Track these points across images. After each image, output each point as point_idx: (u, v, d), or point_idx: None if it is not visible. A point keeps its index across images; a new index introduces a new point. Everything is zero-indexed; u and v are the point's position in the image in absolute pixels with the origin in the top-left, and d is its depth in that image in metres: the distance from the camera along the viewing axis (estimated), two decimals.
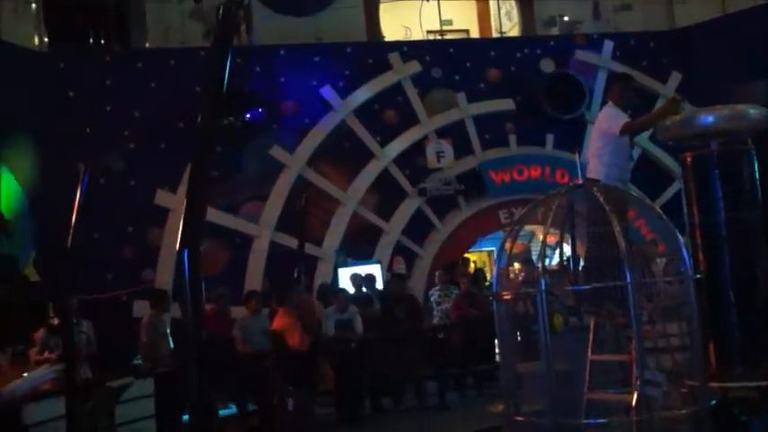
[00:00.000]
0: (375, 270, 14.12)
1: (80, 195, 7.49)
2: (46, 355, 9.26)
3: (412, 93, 15.56)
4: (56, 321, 9.32)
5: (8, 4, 13.95)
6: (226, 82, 4.25)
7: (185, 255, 3.82)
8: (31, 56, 13.96)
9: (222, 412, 9.96)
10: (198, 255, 3.90)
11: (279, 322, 9.55)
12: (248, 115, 14.07)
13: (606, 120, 7.11)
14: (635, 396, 5.50)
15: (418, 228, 15.36)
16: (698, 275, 6.20)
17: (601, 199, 5.54)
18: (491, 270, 15.88)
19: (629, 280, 5.32)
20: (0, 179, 12.47)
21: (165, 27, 15.52)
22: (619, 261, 5.63)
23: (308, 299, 11.43)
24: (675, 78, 16.72)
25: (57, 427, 7.54)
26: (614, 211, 5.56)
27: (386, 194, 15.23)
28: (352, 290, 12.39)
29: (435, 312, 12.56)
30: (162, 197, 13.57)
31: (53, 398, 7.74)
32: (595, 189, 5.69)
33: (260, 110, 14.18)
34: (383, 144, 15.28)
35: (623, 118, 7.10)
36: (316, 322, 10.85)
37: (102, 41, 14.84)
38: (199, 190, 4.01)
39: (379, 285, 13.53)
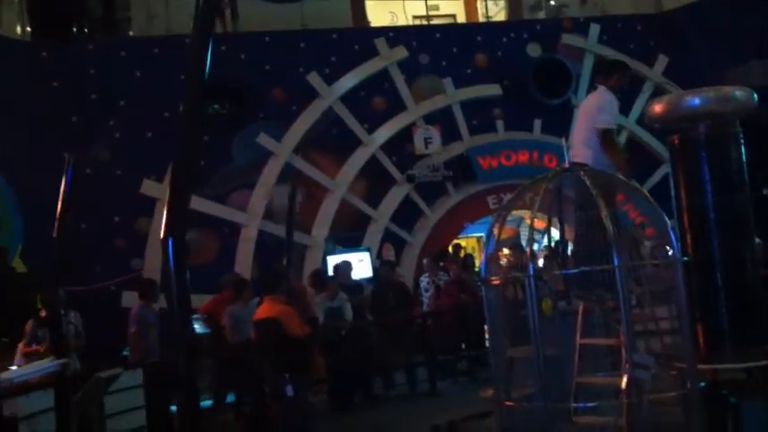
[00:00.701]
0: (364, 257, 14.12)
1: (65, 185, 7.43)
2: (34, 347, 9.22)
3: (399, 79, 15.50)
4: (44, 313, 9.27)
5: None
6: (207, 70, 4.20)
7: (170, 244, 3.77)
8: (14, 45, 13.84)
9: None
10: (183, 244, 3.86)
11: (272, 310, 9.41)
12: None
13: (598, 107, 6.99)
14: (624, 379, 5.50)
15: (407, 214, 15.34)
16: (686, 258, 6.19)
17: (588, 183, 5.52)
18: (480, 256, 15.90)
19: (617, 263, 5.31)
20: None
21: (150, 15, 15.38)
22: (607, 245, 5.62)
23: (300, 286, 11.41)
24: (662, 61, 16.74)
25: (46, 419, 7.51)
26: (602, 195, 5.55)
27: (374, 181, 15.21)
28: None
29: (424, 299, 12.58)
30: (148, 186, 13.50)
31: (42, 390, 7.72)
32: (583, 173, 5.67)
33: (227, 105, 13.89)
34: (371, 131, 15.23)
35: (615, 110, 7.01)
36: (310, 309, 10.83)
37: (86, 30, 14.73)
38: (182, 178, 3.97)
39: (364, 273, 13.52)
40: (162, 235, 3.78)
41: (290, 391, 7.79)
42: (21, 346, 9.59)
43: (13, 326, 9.86)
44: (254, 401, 10.15)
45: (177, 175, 3.96)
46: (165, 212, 3.93)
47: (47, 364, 7.87)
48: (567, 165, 5.97)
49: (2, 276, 11.99)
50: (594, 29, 16.58)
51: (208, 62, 4.00)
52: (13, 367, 8.38)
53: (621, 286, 5.31)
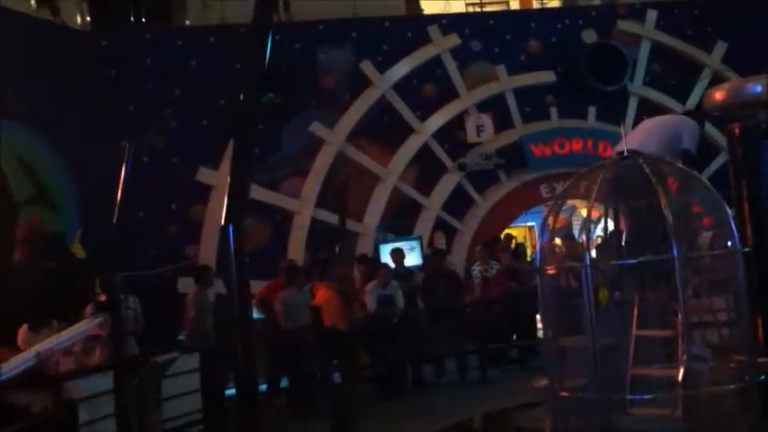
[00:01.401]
0: (415, 245, 14.14)
1: (125, 173, 7.57)
2: (94, 330, 9.40)
3: (451, 66, 15.42)
4: (103, 298, 9.46)
5: None
6: (267, 59, 4.24)
7: (230, 230, 3.83)
8: (73, 35, 14.11)
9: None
10: (242, 230, 3.92)
11: (319, 297, 9.55)
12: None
13: (692, 130, 6.79)
14: (681, 371, 5.43)
15: (458, 203, 15.29)
16: (746, 249, 6.08)
17: (648, 171, 5.45)
18: (531, 245, 15.81)
19: (675, 254, 5.24)
20: (44, 158, 12.68)
21: (205, 4, 15.55)
22: (664, 234, 5.55)
23: (349, 273, 11.49)
24: (721, 48, 16.38)
25: (105, 402, 7.69)
26: (660, 184, 5.47)
27: (426, 169, 15.17)
28: (393, 265, 12.39)
29: (476, 287, 12.56)
30: (204, 174, 13.70)
31: (101, 373, 7.91)
32: (642, 161, 5.59)
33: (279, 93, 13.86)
34: (423, 119, 15.20)
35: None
36: (357, 296, 10.92)
37: (143, 20, 14.95)
38: (242, 167, 4.02)
39: (415, 261, 13.53)
40: (223, 221, 3.83)
41: (336, 378, 7.85)
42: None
43: (73, 310, 10.08)
44: (304, 387, 10.29)
45: (237, 162, 4.01)
46: (225, 199, 3.99)
47: (86, 326, 8.06)
48: (624, 152, 5.90)
49: (62, 261, 12.29)
50: (651, 14, 16.29)
51: (267, 52, 4.04)
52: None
53: (680, 277, 5.23)
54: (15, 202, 12.04)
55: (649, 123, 7.06)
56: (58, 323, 9.69)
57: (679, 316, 5.56)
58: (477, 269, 12.77)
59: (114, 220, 7.67)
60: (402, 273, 12.12)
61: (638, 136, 6.81)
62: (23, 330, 9.38)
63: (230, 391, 9.25)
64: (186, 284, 11.93)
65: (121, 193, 7.62)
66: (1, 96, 11.48)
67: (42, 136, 12.55)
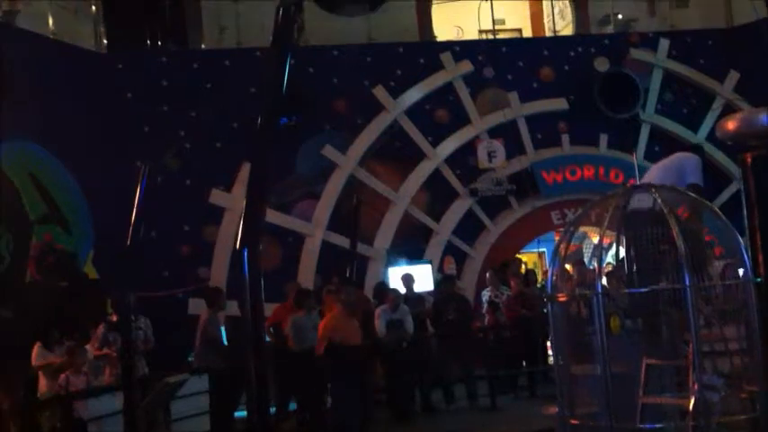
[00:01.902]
0: (425, 270, 14.12)
1: (139, 194, 7.65)
2: (105, 350, 9.46)
3: (464, 92, 15.52)
4: (114, 317, 9.52)
5: (68, 5, 14.27)
6: (285, 83, 4.31)
7: (245, 253, 3.87)
8: (90, 57, 14.27)
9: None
10: (257, 253, 3.96)
11: (328, 312, 9.24)
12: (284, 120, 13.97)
13: (694, 165, 6.90)
14: (692, 400, 5.41)
15: (469, 228, 15.31)
16: (758, 279, 6.06)
17: (659, 201, 5.47)
18: (541, 271, 15.78)
19: (687, 283, 5.23)
20: (59, 177, 12.78)
21: (221, 28, 15.73)
22: (675, 263, 5.55)
23: (362, 295, 11.49)
24: (733, 77, 16.41)
25: (114, 422, 7.72)
26: (672, 213, 5.49)
27: (437, 194, 15.23)
28: (402, 290, 12.38)
29: (486, 313, 12.52)
30: (217, 196, 13.78)
31: (111, 393, 7.95)
32: (654, 191, 5.61)
33: (293, 117, 14.01)
34: (434, 144, 15.27)
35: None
36: (371, 319, 10.90)
37: (159, 42, 15.12)
38: (258, 189, 4.07)
39: (428, 286, 13.51)
40: (238, 244, 3.87)
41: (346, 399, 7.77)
42: (91, 348, 9.86)
43: (85, 330, 10.14)
44: (313, 409, 10.27)
45: (253, 185, 4.06)
46: (238, 221, 4.03)
47: None
48: (635, 181, 5.93)
49: (73, 281, 12.36)
50: (664, 44, 16.37)
51: (285, 76, 4.11)
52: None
53: (691, 306, 5.23)
54: (29, 220, 12.13)
55: (653, 170, 7.11)
56: (70, 342, 9.77)
57: (690, 345, 5.54)
58: (487, 294, 12.74)
59: (128, 241, 7.74)
60: (412, 297, 12.10)
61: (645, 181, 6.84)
62: (37, 348, 9.44)
63: (240, 413, 9.25)
64: (197, 306, 11.97)
65: (136, 213, 7.69)
66: (17, 116, 11.61)
67: (57, 156, 12.67)
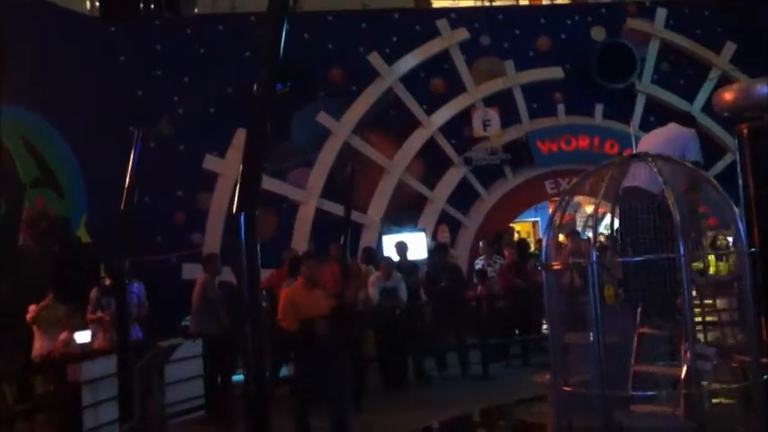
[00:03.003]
0: (419, 238, 14.14)
1: (134, 159, 7.60)
2: (99, 314, 9.46)
3: (459, 60, 15.44)
4: (108, 282, 9.52)
5: None
6: (282, 49, 4.26)
7: (242, 218, 3.86)
8: (83, 20, 14.13)
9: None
10: (254, 219, 3.95)
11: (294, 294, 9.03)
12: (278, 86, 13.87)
13: (690, 140, 6.76)
14: (684, 369, 5.45)
15: (463, 197, 15.32)
16: (753, 249, 6.09)
17: (655, 170, 5.47)
18: (534, 240, 15.83)
19: (682, 252, 5.25)
20: (51, 142, 12.72)
21: None
22: (671, 234, 5.56)
23: (355, 265, 11.47)
24: (730, 48, 16.38)
25: (108, 385, 7.75)
26: (668, 183, 5.48)
27: (431, 163, 15.21)
28: (396, 257, 12.40)
29: (477, 281, 12.57)
30: (210, 162, 13.73)
31: (106, 356, 7.97)
32: (650, 160, 5.60)
33: (288, 84, 13.87)
34: (429, 112, 15.21)
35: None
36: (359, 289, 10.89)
37: (153, 6, 14.96)
38: (255, 155, 4.04)
39: (421, 254, 13.53)
40: (235, 209, 3.86)
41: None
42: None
43: (78, 294, 10.13)
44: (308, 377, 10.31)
45: (250, 151, 4.03)
46: (232, 187, 4.02)
47: None
48: (632, 151, 5.92)
49: (67, 246, 12.34)
50: (661, 13, 16.29)
51: (282, 43, 4.06)
52: (84, 333, 8.64)
53: (686, 276, 5.25)
54: (22, 184, 12.08)
55: (649, 139, 6.94)
56: (63, 306, 9.77)
57: (683, 315, 5.57)
58: (480, 263, 12.78)
59: (122, 206, 7.71)
60: (405, 265, 12.13)
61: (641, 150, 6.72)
62: (32, 310, 9.45)
63: (237, 377, 9.30)
64: (191, 271, 11.98)
65: (130, 179, 7.65)
66: (9, 80, 11.51)
67: (50, 120, 12.59)
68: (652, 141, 6.80)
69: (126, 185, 7.72)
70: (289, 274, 10.82)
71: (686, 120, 7.32)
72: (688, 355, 5.49)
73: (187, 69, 14.19)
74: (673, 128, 7.03)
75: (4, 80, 11.41)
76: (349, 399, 7.98)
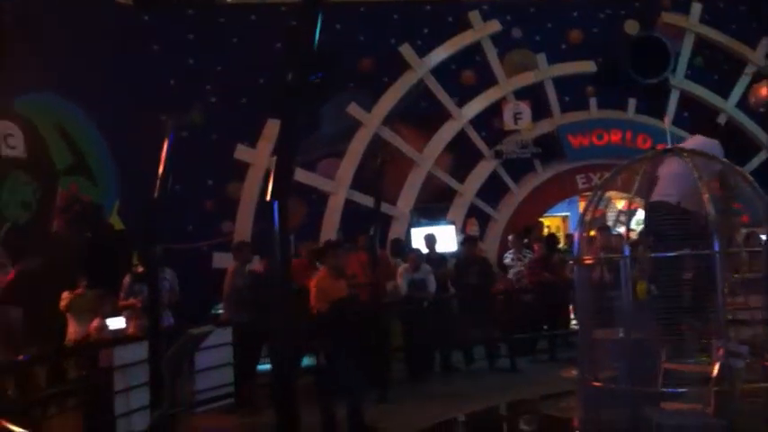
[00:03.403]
0: (448, 231, 14.12)
1: (167, 148, 7.65)
2: (131, 300, 9.56)
3: (491, 53, 15.35)
4: (140, 269, 9.61)
5: None
6: (316, 39, 4.28)
7: (275, 206, 3.89)
8: (117, 9, 14.22)
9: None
10: (286, 208, 3.98)
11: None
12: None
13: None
14: (716, 367, 5.41)
15: (493, 190, 15.26)
16: None
17: (690, 165, 5.42)
18: (564, 235, 15.75)
19: (716, 249, 5.20)
20: (85, 129, 12.85)
21: None
22: (703, 230, 5.51)
23: (383, 256, 11.49)
24: (765, 43, 16.13)
25: (140, 371, 7.83)
26: (702, 179, 5.44)
27: (461, 156, 15.15)
28: (425, 250, 12.41)
29: (509, 275, 12.55)
30: (241, 152, 13.78)
31: (138, 342, 8.06)
32: (685, 155, 5.56)
33: (318, 75, 13.88)
34: (460, 104, 15.16)
35: None
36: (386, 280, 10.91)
37: None
38: (289, 144, 4.07)
39: (450, 247, 13.51)
40: (268, 197, 3.88)
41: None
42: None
43: (111, 280, 10.25)
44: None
45: (283, 141, 4.06)
46: (263, 176, 4.05)
47: None
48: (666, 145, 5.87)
49: (100, 232, 12.49)
50: (696, 7, 16.07)
51: (317, 33, 4.08)
52: (117, 318, 8.75)
53: (719, 273, 5.20)
54: (56, 170, 12.23)
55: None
56: (94, 292, 9.90)
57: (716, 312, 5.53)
58: (509, 257, 12.75)
59: (155, 194, 7.76)
60: (434, 257, 12.13)
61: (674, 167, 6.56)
62: (66, 296, 9.58)
63: (262, 366, 9.37)
64: (222, 260, 12.06)
65: (163, 167, 7.70)
66: (43, 68, 11.64)
67: (83, 108, 12.72)
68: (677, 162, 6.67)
69: (159, 174, 7.77)
70: (310, 264, 10.87)
71: (710, 130, 7.16)
72: (720, 352, 5.45)
73: (219, 59, 14.25)
74: (698, 140, 6.89)
75: (39, 67, 11.54)
76: (364, 388, 8.09)
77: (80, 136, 12.80)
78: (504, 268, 12.62)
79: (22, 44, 11.38)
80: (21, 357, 8.29)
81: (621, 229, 6.25)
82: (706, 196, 5.23)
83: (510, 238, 13.42)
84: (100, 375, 7.89)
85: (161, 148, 7.95)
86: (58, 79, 11.98)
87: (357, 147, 14.49)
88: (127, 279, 9.73)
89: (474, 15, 15.30)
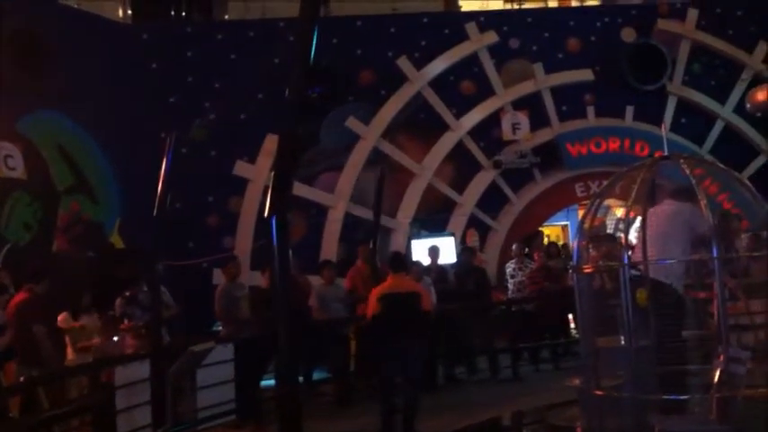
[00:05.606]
0: (448, 243, 14.10)
1: (166, 165, 7.68)
2: (126, 323, 9.51)
3: (488, 63, 15.40)
4: (128, 293, 9.57)
5: None
6: (313, 54, 4.30)
7: (273, 221, 3.90)
8: (116, 27, 14.31)
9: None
10: (285, 222, 3.99)
11: (411, 285, 8.99)
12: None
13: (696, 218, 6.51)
14: (717, 373, 5.41)
15: (492, 200, 15.27)
16: None
17: (687, 172, 5.43)
18: (564, 244, 15.74)
19: (715, 254, 5.21)
20: (85, 148, 12.87)
21: (246, 7, 15.70)
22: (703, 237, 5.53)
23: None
24: (762, 49, 16.15)
25: (142, 389, 7.83)
26: (700, 185, 5.45)
27: (460, 166, 15.18)
28: (427, 261, 12.39)
29: (510, 285, 12.53)
30: (241, 168, 13.81)
31: (139, 361, 8.05)
32: (682, 161, 5.57)
33: (316, 89, 13.97)
34: (459, 116, 15.20)
35: None
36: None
37: (184, 14, 15.13)
38: (287, 159, 4.08)
39: (450, 258, 13.51)
40: (266, 213, 3.90)
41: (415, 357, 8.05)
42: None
43: (112, 300, 10.22)
44: (341, 377, 10.38)
45: (282, 156, 4.07)
46: (262, 192, 4.07)
47: None
48: (663, 153, 5.88)
49: (100, 250, 12.48)
50: (692, 14, 16.11)
51: (313, 48, 4.10)
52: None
53: (719, 278, 5.21)
54: (57, 191, 12.24)
55: (654, 221, 6.57)
56: (97, 311, 9.89)
57: (716, 318, 5.53)
58: (511, 267, 12.74)
59: (154, 212, 7.79)
60: (435, 269, 12.12)
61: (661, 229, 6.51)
62: (63, 317, 9.56)
63: (266, 382, 9.34)
64: (221, 277, 12.05)
65: (163, 185, 7.73)
66: (43, 86, 11.68)
67: (84, 126, 12.75)
68: (654, 222, 6.52)
69: (159, 191, 7.80)
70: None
71: (680, 194, 6.87)
72: (722, 358, 5.45)
73: (218, 75, 14.32)
74: (671, 205, 6.67)
75: (39, 86, 11.58)
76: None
77: (81, 155, 12.82)
78: (506, 279, 12.59)
79: (22, 64, 11.43)
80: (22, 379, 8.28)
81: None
82: (704, 203, 5.23)
83: (513, 247, 13.41)
84: (102, 394, 7.87)
85: (161, 165, 7.98)
86: (58, 99, 12.03)
87: (356, 160, 14.53)
88: (119, 302, 9.66)
89: (471, 27, 15.36)
